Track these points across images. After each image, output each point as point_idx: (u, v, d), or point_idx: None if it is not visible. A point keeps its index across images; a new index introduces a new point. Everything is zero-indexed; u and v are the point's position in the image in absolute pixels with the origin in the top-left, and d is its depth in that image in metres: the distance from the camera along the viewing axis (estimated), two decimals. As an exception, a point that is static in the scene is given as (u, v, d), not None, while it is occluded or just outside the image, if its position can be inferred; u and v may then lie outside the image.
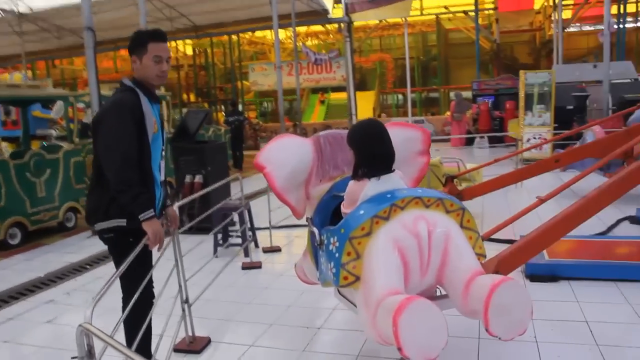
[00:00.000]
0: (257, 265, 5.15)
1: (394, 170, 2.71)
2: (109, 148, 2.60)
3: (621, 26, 20.38)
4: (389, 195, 2.59)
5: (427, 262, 2.55)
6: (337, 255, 2.52)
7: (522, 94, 11.97)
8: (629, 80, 13.02)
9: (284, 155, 3.12)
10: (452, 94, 19.70)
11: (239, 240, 5.54)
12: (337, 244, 2.54)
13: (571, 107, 11.94)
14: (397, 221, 2.52)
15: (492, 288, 2.33)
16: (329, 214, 3.03)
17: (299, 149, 3.18)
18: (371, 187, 2.62)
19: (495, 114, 16.91)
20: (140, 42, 2.73)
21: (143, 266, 2.72)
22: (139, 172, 2.62)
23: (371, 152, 2.66)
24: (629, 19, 22.09)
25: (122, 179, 2.57)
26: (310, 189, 3.20)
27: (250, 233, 5.67)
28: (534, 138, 11.43)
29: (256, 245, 5.86)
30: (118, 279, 2.62)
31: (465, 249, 2.59)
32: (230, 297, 4.36)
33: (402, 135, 3.41)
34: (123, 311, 2.65)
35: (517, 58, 28.14)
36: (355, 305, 2.82)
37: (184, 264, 3.34)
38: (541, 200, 3.31)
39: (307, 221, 3.03)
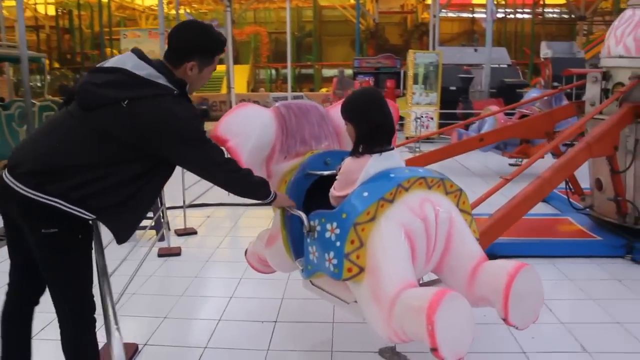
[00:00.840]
0: (175, 252, 4.57)
1: (393, 147, 2.41)
2: (215, 164, 2.17)
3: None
4: (392, 175, 2.28)
5: (433, 248, 2.30)
6: (338, 244, 2.17)
7: (410, 73, 12.28)
8: (505, 66, 13.95)
9: (247, 126, 2.66)
10: (335, 71, 19.78)
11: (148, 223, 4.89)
12: (337, 231, 2.18)
13: (454, 88, 12.51)
14: (403, 204, 2.23)
15: (512, 276, 2.14)
16: (302, 195, 2.65)
17: (261, 120, 2.74)
18: (373, 164, 2.29)
19: (377, 93, 17.29)
20: (213, 50, 2.21)
21: (89, 269, 2.13)
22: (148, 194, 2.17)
23: (374, 125, 2.32)
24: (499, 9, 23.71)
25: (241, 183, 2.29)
26: (272, 166, 2.79)
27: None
28: (422, 117, 11.80)
29: (168, 228, 5.24)
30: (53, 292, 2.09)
31: (468, 233, 2.38)
32: (152, 290, 3.78)
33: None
34: (64, 337, 2.11)
35: (388, 39, 29.16)
36: (339, 298, 2.51)
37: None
38: (506, 180, 3.23)
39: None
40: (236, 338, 3.02)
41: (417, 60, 12.18)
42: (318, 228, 2.26)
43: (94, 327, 2.15)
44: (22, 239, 2.07)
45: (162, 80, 2.04)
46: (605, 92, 4.49)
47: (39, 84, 11.16)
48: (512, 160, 8.37)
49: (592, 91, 4.60)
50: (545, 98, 7.65)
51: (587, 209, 4.84)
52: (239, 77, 22.36)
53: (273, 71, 27.84)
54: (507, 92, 11.71)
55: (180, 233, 5.15)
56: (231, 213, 6.01)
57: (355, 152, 2.33)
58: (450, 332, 1.89)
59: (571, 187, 4.87)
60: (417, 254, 2.22)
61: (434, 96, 12.09)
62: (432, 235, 2.26)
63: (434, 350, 1.86)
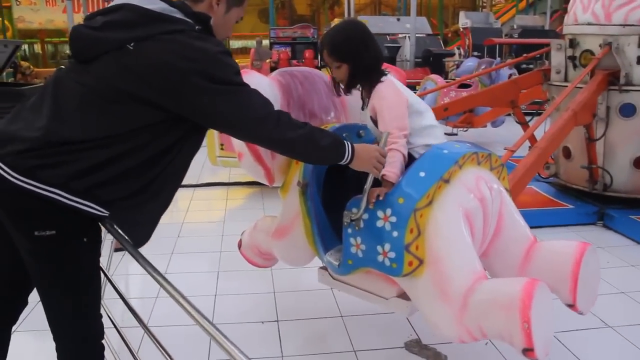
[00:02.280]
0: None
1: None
2: (249, 100, 1.59)
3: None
4: (445, 151, 2.01)
5: (488, 231, 2.08)
6: (395, 234, 1.87)
7: (338, 44, 12.00)
8: (425, 35, 14.06)
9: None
10: (245, 42, 19.10)
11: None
12: (392, 219, 1.89)
13: (380, 58, 12.40)
14: (459, 183, 1.98)
15: (578, 259, 1.98)
16: (321, 177, 2.31)
17: (261, 90, 2.36)
18: (399, 85, 2.12)
19: (294, 63, 16.93)
20: None
21: (97, 283, 1.66)
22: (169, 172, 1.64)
23: (376, 54, 2.12)
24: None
25: (291, 134, 1.66)
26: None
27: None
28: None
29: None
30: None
31: (517, 213, 2.18)
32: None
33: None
34: None
35: (296, 9, 28.69)
36: (375, 294, 2.23)
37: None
38: (511, 151, 3.08)
39: (299, 187, 2.26)
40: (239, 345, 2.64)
41: (344, 30, 11.90)
42: (364, 216, 1.95)
43: (102, 356, 1.70)
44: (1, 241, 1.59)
45: (178, 14, 1.57)
46: (571, 60, 4.48)
47: None
48: (449, 130, 8.43)
49: (557, 59, 4.58)
50: (484, 67, 7.72)
51: (552, 177, 4.87)
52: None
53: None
54: (433, 62, 11.81)
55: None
56: (179, 195, 5.48)
57: (375, 78, 2.09)
58: (543, 328, 1.68)
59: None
60: (475, 239, 1.98)
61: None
62: (489, 216, 2.04)
63: (529, 350, 1.65)
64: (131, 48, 1.48)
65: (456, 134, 8.46)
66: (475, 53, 12.15)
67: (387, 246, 1.89)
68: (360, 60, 2.05)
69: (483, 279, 1.84)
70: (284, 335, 2.70)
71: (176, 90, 1.48)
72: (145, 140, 1.52)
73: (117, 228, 1.56)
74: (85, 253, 1.58)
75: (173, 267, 3.59)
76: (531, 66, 10.74)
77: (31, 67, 17.59)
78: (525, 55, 5.58)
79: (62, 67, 1.65)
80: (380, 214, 1.90)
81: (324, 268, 2.47)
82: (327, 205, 2.28)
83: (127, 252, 1.56)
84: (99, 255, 1.66)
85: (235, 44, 26.27)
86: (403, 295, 2.16)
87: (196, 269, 3.60)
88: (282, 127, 1.63)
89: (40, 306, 1.62)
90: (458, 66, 11.90)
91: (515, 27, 13.78)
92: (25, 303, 1.75)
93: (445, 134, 8.64)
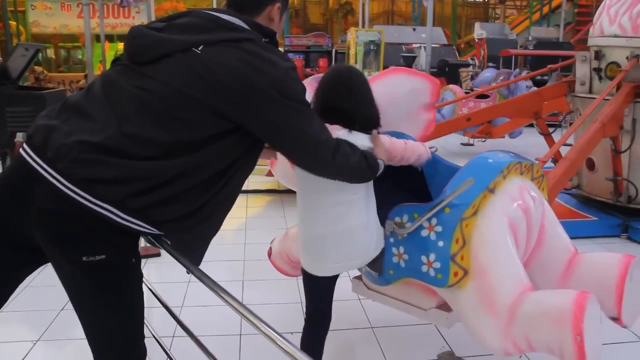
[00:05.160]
0: (154, 253, 4.00)
1: None
2: (312, 122, 1.55)
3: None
4: (490, 160, 2.00)
5: (530, 242, 2.06)
6: (441, 244, 1.86)
7: (352, 52, 12.04)
8: (441, 45, 14.08)
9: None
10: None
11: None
12: (438, 229, 1.88)
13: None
14: (504, 193, 1.97)
15: (623, 271, 1.96)
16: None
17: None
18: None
19: (308, 71, 16.98)
20: None
21: (142, 302, 1.57)
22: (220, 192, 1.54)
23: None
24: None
25: (344, 165, 1.64)
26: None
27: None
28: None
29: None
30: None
31: (558, 224, 2.17)
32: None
33: (408, 84, 2.81)
34: None
35: (309, 18, 28.82)
36: (412, 304, 2.21)
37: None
38: (542, 162, 3.06)
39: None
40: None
41: (359, 38, 11.95)
42: (407, 225, 1.94)
43: None
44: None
45: (245, 25, 1.51)
46: (597, 72, 4.46)
47: None
48: (466, 140, 8.41)
49: (582, 70, 4.56)
50: (502, 77, 7.72)
51: (574, 189, 4.84)
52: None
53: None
54: (449, 72, 11.82)
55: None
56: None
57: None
58: (593, 341, 1.66)
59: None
60: (518, 250, 1.97)
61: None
62: (533, 227, 2.03)
63: (580, 365, 1.62)
64: (199, 52, 1.41)
65: (472, 144, 8.45)
66: (491, 64, 12.14)
67: (432, 256, 1.88)
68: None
69: (529, 290, 1.82)
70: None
71: (243, 97, 1.41)
72: (204, 159, 1.42)
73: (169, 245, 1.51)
74: (133, 274, 1.50)
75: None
76: (545, 78, 10.72)
77: (45, 71, 17.76)
78: (549, 66, 5.56)
79: (109, 69, 1.54)
80: (425, 223, 1.89)
81: (358, 278, 2.46)
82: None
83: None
84: (142, 274, 1.57)
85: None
86: (442, 307, 2.15)
87: (220, 278, 3.50)
88: (340, 155, 1.60)
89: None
90: (472, 77, 11.91)
91: (530, 38, 13.79)
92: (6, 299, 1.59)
93: (462, 144, 8.67)
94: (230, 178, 1.52)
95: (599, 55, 4.43)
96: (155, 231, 1.44)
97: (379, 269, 2.09)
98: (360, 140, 1.76)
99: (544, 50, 11.99)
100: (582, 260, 2.08)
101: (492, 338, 1.83)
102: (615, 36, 4.30)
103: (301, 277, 2.08)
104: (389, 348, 2.65)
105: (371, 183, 1.90)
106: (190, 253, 1.56)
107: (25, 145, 1.40)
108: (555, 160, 4.84)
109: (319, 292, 2.06)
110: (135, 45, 1.46)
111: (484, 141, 7.66)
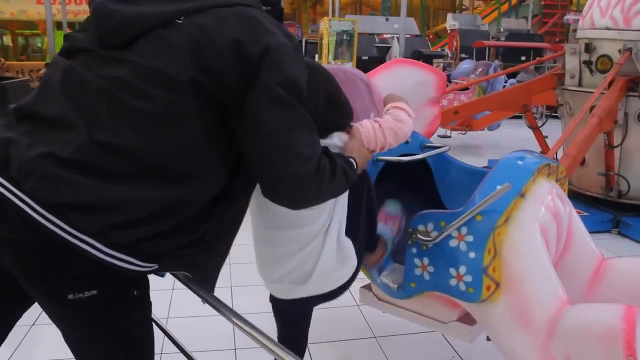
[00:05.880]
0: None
1: None
2: (299, 126, 1.16)
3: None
4: (520, 162, 1.85)
5: (559, 248, 1.93)
6: (472, 255, 1.70)
7: (325, 42, 11.83)
8: (413, 36, 13.96)
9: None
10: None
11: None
12: (469, 238, 1.71)
13: (366, 57, 12.29)
14: (534, 197, 1.82)
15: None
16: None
17: None
18: None
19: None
20: None
21: (151, 337, 1.30)
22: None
23: None
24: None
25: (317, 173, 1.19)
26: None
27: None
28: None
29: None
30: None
31: (584, 228, 2.04)
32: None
33: (413, 77, 2.65)
34: None
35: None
36: (431, 317, 2.05)
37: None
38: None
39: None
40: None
41: (332, 27, 11.74)
42: (433, 234, 1.77)
43: None
44: None
45: None
46: (587, 64, 4.39)
47: None
48: (443, 132, 8.33)
49: (572, 63, 4.49)
50: (480, 69, 7.65)
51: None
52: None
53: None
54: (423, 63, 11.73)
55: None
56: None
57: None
58: (642, 361, 1.52)
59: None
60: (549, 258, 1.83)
61: (349, 65, 11.76)
62: (562, 233, 1.89)
63: (631, 388, 1.49)
64: (180, 22, 1.13)
65: (449, 136, 8.39)
66: (463, 55, 12.12)
67: (462, 269, 1.71)
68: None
69: (568, 304, 1.68)
70: (317, 358, 2.50)
71: (237, 76, 1.10)
72: (195, 179, 1.14)
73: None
74: (136, 308, 1.22)
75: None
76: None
77: (2, 59, 16.94)
78: (539, 58, 5.49)
79: (67, 59, 1.19)
80: (454, 232, 1.73)
81: (366, 287, 2.29)
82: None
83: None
84: (151, 304, 1.30)
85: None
86: (463, 319, 2.00)
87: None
88: (319, 180, 1.20)
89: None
90: (444, 68, 11.86)
91: (502, 30, 13.85)
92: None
93: (439, 136, 8.58)
94: (234, 199, 1.27)
95: (589, 48, 4.36)
96: (148, 267, 1.16)
97: (399, 281, 1.92)
98: (335, 139, 1.51)
99: (516, 41, 12.03)
100: (611, 266, 1.96)
101: (527, 356, 1.68)
102: (607, 29, 4.23)
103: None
104: (395, 359, 2.49)
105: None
106: (200, 281, 1.33)
107: None
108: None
109: (287, 315, 1.84)
110: (104, 27, 1.16)
111: (464, 134, 7.59)
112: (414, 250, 1.82)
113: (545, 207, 1.82)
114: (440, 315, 2.01)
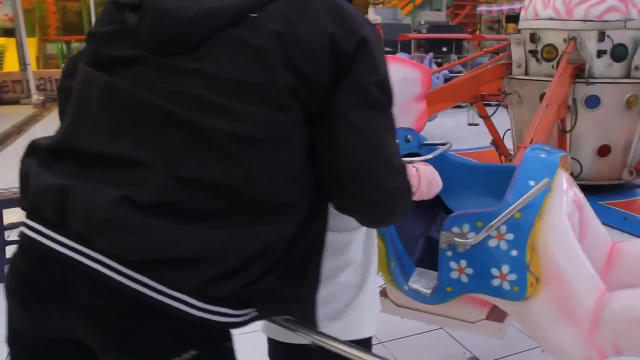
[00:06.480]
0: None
1: None
2: (390, 132, 1.03)
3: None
4: (543, 155, 1.86)
5: (580, 236, 1.95)
6: (514, 253, 1.69)
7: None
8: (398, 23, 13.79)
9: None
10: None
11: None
12: (509, 236, 1.69)
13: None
14: (559, 190, 1.83)
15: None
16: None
17: None
18: None
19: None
20: None
21: None
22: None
23: None
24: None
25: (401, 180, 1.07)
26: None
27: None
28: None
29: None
30: None
31: (595, 215, 2.09)
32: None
33: (400, 73, 2.62)
34: None
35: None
36: (457, 318, 2.02)
37: None
38: (524, 148, 3.01)
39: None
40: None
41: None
42: (471, 236, 1.73)
43: None
44: None
45: None
46: (533, 54, 4.57)
47: None
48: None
49: (518, 53, 4.65)
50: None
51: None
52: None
53: (64, 45, 24.40)
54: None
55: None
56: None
57: None
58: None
59: (498, 147, 4.93)
60: (575, 249, 1.85)
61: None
62: (583, 221, 1.92)
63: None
64: (255, 16, 0.93)
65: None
66: (388, 48, 12.32)
67: (505, 268, 1.69)
68: None
69: (606, 292, 1.70)
70: None
71: (327, 77, 0.94)
72: (299, 198, 0.98)
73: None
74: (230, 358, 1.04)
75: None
76: (439, 59, 11.22)
77: None
78: (485, 49, 5.65)
79: (97, 70, 0.96)
80: (492, 232, 1.70)
81: (382, 294, 2.22)
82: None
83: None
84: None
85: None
86: (491, 316, 1.99)
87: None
88: (409, 194, 1.10)
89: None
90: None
91: (422, 22, 14.23)
92: None
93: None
94: (316, 217, 1.07)
95: (534, 38, 4.53)
96: (246, 315, 0.99)
97: (431, 286, 1.87)
98: None
99: (438, 33, 12.42)
100: (623, 249, 2.02)
101: (574, 348, 1.69)
102: (551, 19, 4.41)
103: None
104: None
105: None
106: (301, 320, 1.12)
107: (29, 221, 0.93)
108: (496, 144, 4.94)
109: None
110: (165, 29, 0.93)
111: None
112: (449, 253, 1.78)
113: (568, 197, 1.84)
114: (468, 316, 1.98)
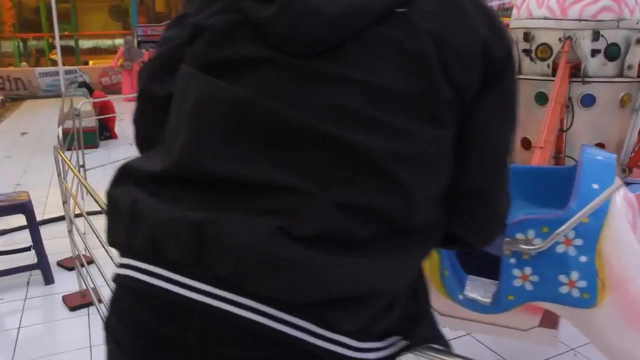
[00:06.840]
0: (90, 301, 3.23)
1: None
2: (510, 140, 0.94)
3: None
4: (599, 157, 1.81)
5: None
6: (583, 259, 1.63)
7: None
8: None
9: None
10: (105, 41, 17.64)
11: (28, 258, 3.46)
12: (578, 242, 1.64)
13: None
14: (618, 193, 1.78)
15: None
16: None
17: None
18: None
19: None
20: None
21: None
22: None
23: None
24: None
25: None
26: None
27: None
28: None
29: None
30: None
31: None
32: None
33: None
34: None
35: (153, 6, 27.26)
36: (508, 326, 1.96)
37: None
38: (540, 148, 3.00)
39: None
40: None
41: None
42: (537, 242, 1.67)
43: None
44: None
45: None
46: (527, 53, 4.58)
47: None
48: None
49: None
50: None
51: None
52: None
53: (20, 42, 23.50)
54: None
55: (63, 264, 3.75)
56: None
57: None
58: None
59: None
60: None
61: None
62: (636, 221, 1.89)
63: None
64: (404, 11, 0.78)
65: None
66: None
67: (574, 274, 1.63)
68: None
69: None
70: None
71: (476, 88, 0.83)
72: (443, 218, 0.89)
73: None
74: None
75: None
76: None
77: None
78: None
79: (219, 80, 0.79)
80: (561, 238, 1.64)
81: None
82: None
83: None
84: None
85: (84, 44, 24.10)
86: (544, 323, 1.93)
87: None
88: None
89: None
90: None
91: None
92: None
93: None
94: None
95: (528, 37, 4.54)
96: (391, 348, 0.84)
97: (490, 295, 1.80)
98: None
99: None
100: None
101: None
102: (545, 18, 4.42)
103: None
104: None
105: None
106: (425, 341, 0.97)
107: (147, 265, 0.77)
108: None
109: None
110: (307, 29, 0.77)
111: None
112: (512, 260, 1.71)
113: (626, 201, 1.80)
114: (520, 323, 1.92)
